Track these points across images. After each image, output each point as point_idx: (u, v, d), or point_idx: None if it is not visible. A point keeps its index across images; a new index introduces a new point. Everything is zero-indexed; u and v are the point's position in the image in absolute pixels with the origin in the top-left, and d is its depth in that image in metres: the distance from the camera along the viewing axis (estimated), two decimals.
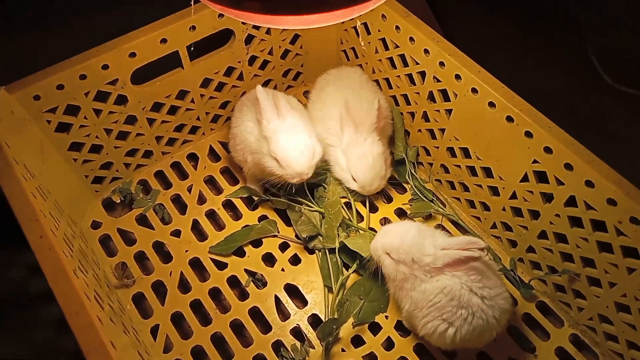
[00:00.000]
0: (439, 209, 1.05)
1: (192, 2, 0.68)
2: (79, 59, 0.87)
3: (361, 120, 0.96)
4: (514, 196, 0.91)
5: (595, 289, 0.85)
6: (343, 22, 1.09)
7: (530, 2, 1.47)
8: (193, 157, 1.14)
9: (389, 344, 0.91)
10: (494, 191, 0.95)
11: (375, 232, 0.99)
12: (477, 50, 0.95)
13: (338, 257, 0.97)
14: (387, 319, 0.93)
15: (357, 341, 0.91)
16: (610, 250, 0.80)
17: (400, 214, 1.06)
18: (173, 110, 1.06)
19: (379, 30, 1.01)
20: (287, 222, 1.03)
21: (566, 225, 0.84)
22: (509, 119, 0.84)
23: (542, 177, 0.85)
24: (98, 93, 0.92)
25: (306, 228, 0.98)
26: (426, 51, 0.93)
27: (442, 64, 0.91)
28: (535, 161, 0.84)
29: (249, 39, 1.06)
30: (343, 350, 0.90)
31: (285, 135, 0.93)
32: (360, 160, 0.96)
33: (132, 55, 0.91)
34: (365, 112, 0.97)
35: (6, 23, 1.26)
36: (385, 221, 1.05)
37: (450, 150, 1.01)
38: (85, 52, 0.88)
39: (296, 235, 1.01)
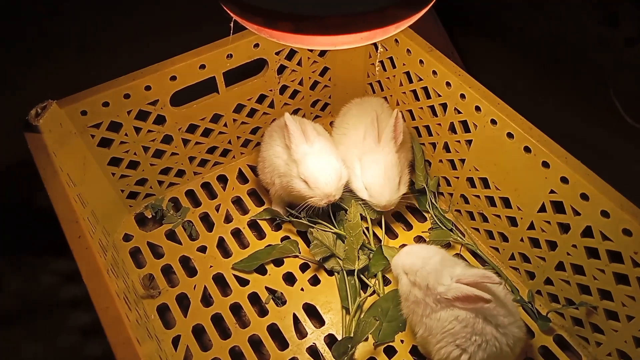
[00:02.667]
0: (458, 238, 1.06)
1: (231, 32, 0.75)
2: (125, 80, 0.95)
3: (381, 133, 1.00)
4: (531, 227, 0.93)
5: (613, 323, 0.85)
6: (370, 56, 1.15)
7: (553, 45, 1.51)
8: (222, 179, 1.20)
9: None
10: (512, 222, 0.97)
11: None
12: (499, 91, 0.99)
13: (356, 279, 0.99)
14: (402, 342, 0.94)
15: None
16: (628, 282, 0.80)
17: (420, 241, 1.09)
18: (207, 132, 1.12)
19: (404, 64, 1.06)
20: (309, 243, 1.07)
21: (583, 256, 0.85)
22: (527, 149, 0.87)
23: (559, 207, 0.87)
24: (139, 112, 0.99)
25: (319, 251, 1.01)
26: (448, 84, 0.97)
27: (462, 96, 0.95)
28: (552, 191, 0.86)
29: (281, 69, 1.12)
30: None
31: (314, 159, 0.98)
32: (372, 166, 0.99)
33: (173, 78, 0.98)
34: (386, 127, 1.01)
35: (61, 45, 1.38)
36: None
37: (470, 181, 1.03)
38: (131, 74, 0.96)
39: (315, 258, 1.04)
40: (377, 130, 1.01)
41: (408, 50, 1.03)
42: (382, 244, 1.04)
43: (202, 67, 1.00)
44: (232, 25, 0.75)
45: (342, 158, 1.05)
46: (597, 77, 1.49)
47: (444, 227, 1.08)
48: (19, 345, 0.99)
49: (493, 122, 0.91)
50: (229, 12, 0.59)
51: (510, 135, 0.89)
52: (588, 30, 1.64)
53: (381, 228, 1.07)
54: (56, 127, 0.89)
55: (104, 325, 0.66)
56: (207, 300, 1.00)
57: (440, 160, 1.09)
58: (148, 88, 0.97)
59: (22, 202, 1.18)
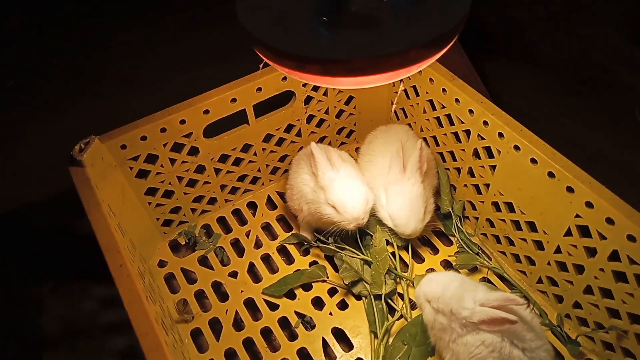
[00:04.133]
0: (485, 261, 1.07)
1: (261, 67, 0.79)
2: (161, 115, 1.01)
3: (406, 163, 1.03)
4: (558, 250, 0.94)
5: None
6: (393, 85, 1.19)
7: (578, 66, 1.53)
8: (252, 205, 1.24)
9: None
10: (539, 245, 0.98)
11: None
12: (525, 112, 1.01)
13: (384, 304, 1.01)
14: None
15: None
16: None
17: (446, 265, 1.10)
18: (237, 161, 1.17)
19: (427, 92, 1.09)
20: (337, 269, 1.09)
21: (611, 280, 0.85)
22: (551, 174, 0.89)
23: (585, 231, 0.87)
24: (174, 144, 1.05)
25: (348, 275, 1.04)
26: (471, 111, 1.00)
27: (485, 123, 0.97)
28: (577, 215, 0.87)
29: (308, 100, 1.17)
30: None
31: (341, 184, 1.01)
32: (397, 197, 1.02)
33: (206, 112, 1.04)
34: (410, 157, 1.04)
35: (99, 81, 1.46)
36: (430, 271, 1.08)
37: (495, 205, 1.05)
38: (167, 109, 1.01)
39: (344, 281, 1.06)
40: (402, 160, 1.04)
41: (431, 79, 1.06)
42: (410, 274, 1.06)
43: (234, 100, 1.05)
44: (261, 66, 0.80)
45: (368, 181, 1.08)
46: (623, 97, 1.49)
47: (470, 251, 1.09)
48: None
49: (516, 148, 0.93)
50: (260, 55, 0.63)
51: (533, 160, 0.91)
52: (615, 49, 1.65)
53: (408, 253, 1.09)
54: (98, 160, 0.95)
55: (145, 351, 0.69)
56: (238, 324, 1.03)
57: (465, 185, 1.10)
58: (183, 122, 1.02)
59: (64, 230, 1.25)
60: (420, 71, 1.08)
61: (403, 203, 1.01)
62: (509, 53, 1.66)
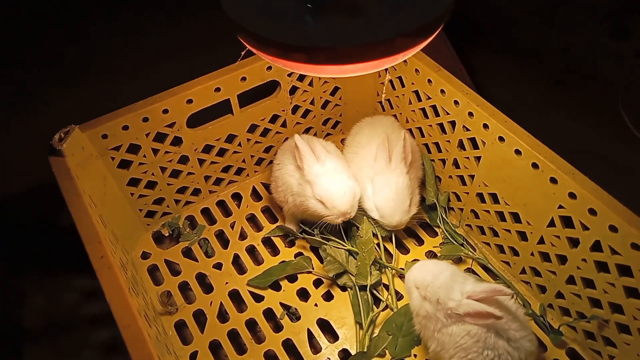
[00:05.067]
0: (469, 252, 1.08)
1: (242, 54, 0.78)
2: (144, 104, 0.99)
3: (391, 154, 1.03)
4: (541, 241, 0.94)
5: (625, 336, 0.85)
6: (379, 75, 1.18)
7: (563, 59, 1.53)
8: (237, 197, 1.23)
9: None
10: (523, 236, 0.99)
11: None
12: (510, 105, 1.01)
13: (369, 295, 1.01)
14: (415, 357, 0.95)
15: None
16: (638, 296, 0.81)
17: (431, 256, 1.10)
18: (222, 152, 1.15)
19: (413, 83, 1.09)
20: (322, 260, 1.09)
21: (593, 270, 0.86)
22: (535, 165, 0.89)
23: (568, 222, 0.88)
24: (157, 134, 1.03)
25: (332, 267, 1.04)
26: (456, 102, 0.99)
27: (470, 114, 0.97)
28: (560, 206, 0.87)
29: (293, 90, 1.16)
30: None
31: (328, 179, 1.00)
32: (384, 188, 1.02)
33: (189, 101, 1.02)
34: (395, 148, 1.04)
35: (80, 70, 1.43)
36: (415, 262, 1.08)
37: (480, 196, 1.05)
38: (149, 98, 1.00)
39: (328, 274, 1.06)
40: (387, 151, 1.03)
41: (416, 70, 1.06)
42: (393, 264, 1.06)
43: (217, 90, 1.04)
44: (242, 53, 0.79)
45: (354, 173, 1.08)
46: (606, 90, 1.51)
47: (455, 242, 1.09)
48: None
49: (501, 139, 0.93)
50: (244, 43, 0.62)
51: (518, 152, 0.91)
52: (598, 43, 1.66)
53: (392, 244, 1.09)
54: (78, 150, 0.93)
55: (127, 343, 0.68)
56: (223, 316, 1.03)
57: (450, 176, 1.11)
58: (165, 111, 1.00)
59: (45, 222, 1.22)
60: (406, 62, 1.07)
61: (389, 194, 1.01)
62: (494, 45, 1.66)
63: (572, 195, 0.85)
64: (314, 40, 0.55)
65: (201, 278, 1.09)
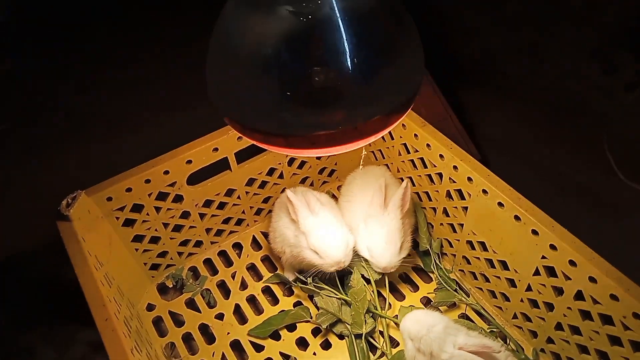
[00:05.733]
0: (463, 298, 1.11)
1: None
2: (146, 167, 1.05)
3: (389, 199, 1.07)
4: (529, 288, 0.97)
5: None
6: None
7: (553, 94, 1.57)
8: (238, 246, 1.27)
9: None
10: (512, 283, 1.02)
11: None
12: (499, 140, 1.03)
13: (364, 343, 1.04)
14: None
15: None
16: (622, 344, 0.83)
17: (426, 302, 1.13)
18: (221, 205, 1.21)
19: (401, 137, 1.14)
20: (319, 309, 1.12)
21: (578, 318, 0.89)
22: (517, 217, 0.93)
23: (552, 271, 0.91)
24: (159, 193, 1.09)
25: (325, 319, 1.07)
26: (441, 156, 1.04)
27: (455, 167, 1.02)
28: (543, 257, 0.91)
29: None
30: None
31: (321, 229, 1.04)
32: (375, 230, 1.05)
33: (189, 162, 1.08)
34: (395, 194, 1.07)
35: (90, 127, 1.49)
36: (411, 309, 1.12)
37: (470, 243, 1.09)
38: (151, 161, 1.06)
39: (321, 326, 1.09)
40: (384, 197, 1.08)
41: (403, 125, 1.11)
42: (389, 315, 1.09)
43: (215, 149, 1.10)
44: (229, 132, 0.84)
45: (348, 222, 1.12)
46: (595, 128, 1.54)
47: (448, 288, 1.13)
48: None
49: (484, 192, 0.98)
50: (232, 128, 0.68)
51: (500, 204, 0.95)
52: (586, 78, 1.70)
53: (386, 289, 1.12)
54: (85, 214, 0.99)
55: None
56: None
57: (442, 224, 1.15)
58: (166, 172, 1.06)
59: (53, 277, 1.27)
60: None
61: (381, 235, 1.05)
62: (483, 83, 1.70)
63: (552, 247, 0.88)
64: (291, 128, 0.61)
65: (204, 328, 1.13)
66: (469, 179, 1.00)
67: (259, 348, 1.08)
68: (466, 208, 1.05)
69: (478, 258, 1.08)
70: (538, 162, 1.36)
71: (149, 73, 1.70)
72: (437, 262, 1.16)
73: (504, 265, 1.02)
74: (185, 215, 1.16)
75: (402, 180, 1.20)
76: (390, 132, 1.17)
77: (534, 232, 0.90)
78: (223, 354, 1.08)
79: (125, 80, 1.69)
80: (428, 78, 1.43)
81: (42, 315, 1.21)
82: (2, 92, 1.65)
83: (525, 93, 1.67)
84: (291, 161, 1.25)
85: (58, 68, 1.61)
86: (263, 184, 1.24)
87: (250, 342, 1.09)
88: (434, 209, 1.15)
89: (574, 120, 1.57)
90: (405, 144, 1.14)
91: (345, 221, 1.12)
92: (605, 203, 1.24)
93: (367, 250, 1.08)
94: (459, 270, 1.16)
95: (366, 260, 1.10)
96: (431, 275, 1.17)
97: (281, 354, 1.07)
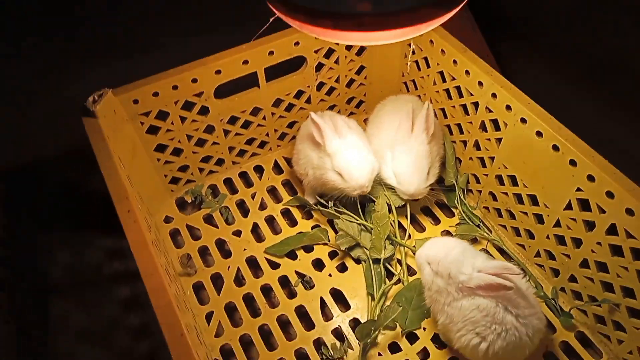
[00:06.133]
0: (485, 234, 1.09)
1: (270, 20, 0.80)
2: (174, 72, 1.02)
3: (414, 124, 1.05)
4: (557, 224, 0.95)
5: (635, 321, 0.86)
6: (405, 56, 1.19)
7: (592, 50, 1.51)
8: (259, 169, 1.26)
9: (424, 355, 0.95)
10: (539, 219, 0.99)
11: None
12: (536, 96, 1.01)
13: (382, 268, 1.03)
14: (424, 330, 0.97)
15: (394, 348, 0.96)
16: None
17: (447, 235, 1.12)
18: (246, 124, 1.18)
19: (438, 64, 1.10)
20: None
21: (607, 254, 0.87)
22: (555, 147, 0.89)
23: (585, 205, 0.89)
24: (185, 102, 1.06)
25: (344, 241, 1.06)
26: (480, 83, 1.00)
27: (494, 95, 0.98)
28: (578, 189, 0.88)
29: (319, 67, 1.18)
30: (380, 354, 0.95)
31: (347, 152, 1.02)
32: (403, 155, 1.03)
33: (218, 72, 1.05)
34: (417, 117, 1.05)
35: (113, 42, 1.46)
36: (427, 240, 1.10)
37: (499, 178, 1.06)
38: (179, 67, 1.03)
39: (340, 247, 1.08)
40: (411, 122, 1.05)
41: (442, 51, 1.07)
42: (405, 240, 1.08)
43: (245, 62, 1.06)
44: (270, 20, 0.81)
45: (375, 149, 1.09)
46: (634, 83, 1.48)
47: (471, 223, 1.11)
48: (69, 314, 1.07)
49: (523, 120, 0.94)
50: (273, 9, 0.64)
51: (539, 133, 0.92)
52: (630, 35, 1.62)
53: (407, 219, 1.11)
54: (110, 113, 0.97)
55: (149, 290, 0.72)
56: (239, 280, 1.06)
57: (470, 158, 1.11)
58: (194, 80, 1.04)
59: (74, 184, 1.27)
60: (432, 41, 1.08)
61: (408, 160, 1.03)
62: (524, 34, 1.64)
63: (590, 178, 0.85)
64: (340, 7, 0.57)
65: (220, 244, 1.12)
66: (508, 107, 0.96)
67: (274, 265, 1.08)
68: (500, 140, 1.01)
69: (506, 193, 1.05)
70: (573, 120, 1.31)
71: None
72: (462, 197, 1.14)
73: (533, 200, 0.99)
74: (210, 130, 1.14)
75: (434, 112, 1.17)
76: (426, 59, 1.13)
77: (572, 163, 0.87)
78: (238, 268, 1.07)
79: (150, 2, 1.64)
80: (468, 15, 1.38)
81: (62, 219, 1.21)
82: (24, 6, 1.61)
83: (565, 48, 1.60)
84: (320, 86, 1.22)
85: None
86: (290, 107, 1.21)
87: (266, 259, 1.09)
88: (464, 142, 1.12)
89: (614, 79, 1.51)
90: (442, 72, 1.10)
91: (372, 148, 1.10)
92: None
93: (394, 177, 1.06)
94: (483, 207, 1.13)
95: (391, 188, 1.08)
96: (454, 210, 1.15)
97: (296, 272, 1.07)
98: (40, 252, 1.17)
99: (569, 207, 0.91)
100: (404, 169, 1.03)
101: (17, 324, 0.98)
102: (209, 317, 1.00)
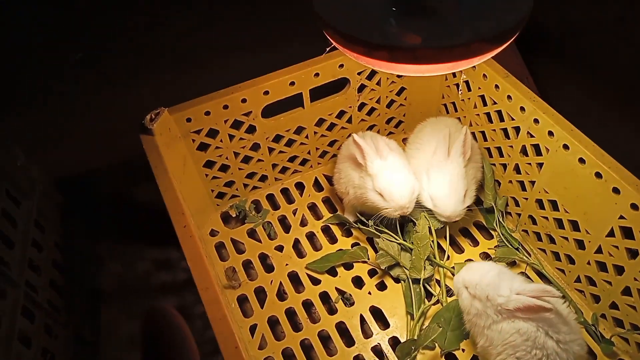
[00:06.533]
0: (524, 257, 1.10)
1: (327, 50, 0.84)
2: (225, 92, 1.07)
3: (451, 147, 1.07)
4: (599, 250, 0.95)
5: None
6: (446, 79, 1.22)
7: (631, 73, 1.50)
8: (300, 186, 1.30)
9: None
10: (580, 244, 1.00)
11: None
12: (574, 118, 1.02)
13: (421, 288, 1.05)
14: (463, 351, 0.98)
15: None
16: None
17: (485, 257, 1.13)
18: (290, 143, 1.22)
19: (479, 88, 1.12)
20: (377, 251, 1.13)
21: None
22: (598, 175, 0.90)
23: (628, 232, 0.89)
24: (234, 121, 1.11)
25: (384, 260, 1.08)
26: (522, 109, 1.02)
27: (536, 120, 1.00)
28: (621, 217, 0.88)
29: (361, 88, 1.21)
30: None
31: (389, 173, 1.05)
32: (439, 178, 1.05)
33: (266, 93, 1.10)
34: (455, 141, 1.07)
35: (161, 61, 1.53)
36: (466, 264, 1.11)
37: (539, 202, 1.07)
38: (230, 87, 1.08)
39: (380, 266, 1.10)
40: (447, 146, 1.07)
41: (484, 75, 1.09)
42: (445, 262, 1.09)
43: (292, 84, 1.11)
44: (327, 50, 0.85)
45: (413, 170, 1.12)
46: None
47: (510, 246, 1.12)
48: (118, 322, 1.12)
49: (565, 147, 0.95)
50: (330, 39, 0.68)
51: (582, 160, 0.93)
52: None
53: (446, 241, 1.12)
54: (165, 131, 1.02)
55: (205, 303, 0.76)
56: (281, 295, 1.10)
57: (510, 181, 1.13)
58: (244, 100, 1.08)
59: (125, 195, 1.34)
60: (475, 67, 1.11)
61: (443, 182, 1.05)
62: (562, 55, 1.65)
63: (634, 207, 0.86)
64: (396, 41, 0.61)
65: (263, 258, 1.16)
66: (550, 133, 0.97)
67: (315, 281, 1.11)
68: (541, 164, 1.02)
69: (546, 218, 1.06)
70: (609, 142, 1.31)
71: (219, 12, 1.71)
72: (501, 220, 1.15)
73: (574, 226, 1.00)
74: (255, 147, 1.19)
75: (473, 134, 1.19)
76: (467, 83, 1.16)
77: (615, 191, 0.88)
78: (280, 282, 1.11)
79: (194, 19, 1.71)
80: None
81: (113, 230, 1.27)
82: (78, 23, 1.71)
83: (604, 70, 1.60)
84: (361, 106, 1.25)
85: (129, 3, 1.64)
86: (331, 127, 1.25)
87: (308, 275, 1.12)
88: (504, 165, 1.13)
89: None
90: (482, 96, 1.12)
91: (412, 168, 1.12)
92: None
93: (431, 200, 1.08)
94: (522, 230, 1.14)
95: (429, 211, 1.10)
96: (493, 232, 1.17)
97: (337, 289, 1.09)
98: (92, 261, 1.23)
99: (611, 234, 0.92)
100: (440, 192, 1.05)
101: (74, 328, 1.04)
102: (252, 329, 1.04)
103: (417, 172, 1.11)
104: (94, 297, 1.17)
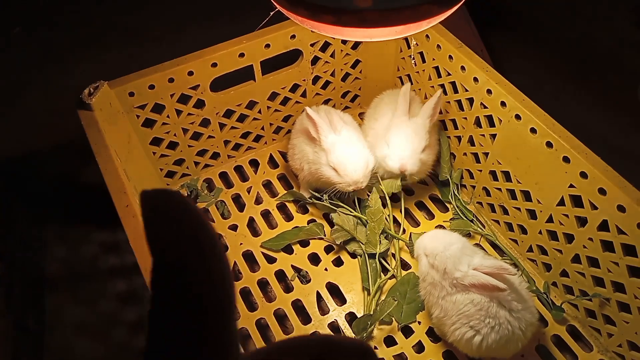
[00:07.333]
0: (478, 229, 1.10)
1: (271, 14, 0.80)
2: (170, 65, 1.02)
3: (413, 112, 1.06)
4: (550, 220, 0.96)
5: (625, 315, 0.88)
6: (401, 50, 1.20)
7: (584, 46, 1.53)
8: (254, 163, 1.26)
9: (419, 348, 0.96)
10: (532, 214, 1.01)
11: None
12: (528, 90, 1.02)
13: (377, 263, 1.04)
14: (419, 324, 0.99)
15: (390, 342, 0.97)
16: None
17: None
18: (242, 118, 1.18)
19: (434, 59, 1.10)
20: (334, 227, 1.12)
21: (598, 249, 0.88)
22: (549, 144, 0.91)
23: (577, 201, 0.90)
24: (181, 96, 1.06)
25: (339, 235, 1.07)
26: (475, 79, 1.01)
27: (489, 91, 0.99)
28: (571, 185, 0.89)
29: (315, 60, 1.18)
30: (375, 347, 0.96)
31: (342, 147, 1.03)
32: (398, 132, 1.04)
33: (214, 65, 1.05)
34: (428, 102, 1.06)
35: (107, 33, 1.45)
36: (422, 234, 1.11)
37: (493, 174, 1.07)
38: (175, 59, 1.02)
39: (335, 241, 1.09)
40: (408, 104, 1.05)
41: (438, 46, 1.07)
42: (402, 233, 1.09)
43: (241, 55, 1.06)
44: (271, 14, 0.81)
45: (371, 141, 1.10)
46: (626, 81, 1.50)
47: (465, 218, 1.12)
48: (65, 308, 1.07)
49: (517, 117, 0.95)
50: (274, 3, 0.64)
51: (533, 130, 0.93)
52: (620, 32, 1.64)
53: (401, 214, 1.12)
54: (106, 106, 0.96)
55: (149, 285, 0.72)
56: (236, 275, 1.07)
57: (465, 154, 1.13)
58: (190, 73, 1.03)
59: (69, 177, 1.27)
60: (428, 36, 1.09)
61: (403, 133, 1.03)
62: (516, 29, 1.66)
63: (583, 175, 0.86)
64: (343, 3, 0.57)
65: None
66: (503, 103, 0.97)
67: (271, 260, 1.09)
68: (494, 135, 1.02)
69: (499, 189, 1.06)
70: (561, 114, 1.33)
71: None
72: (456, 192, 1.15)
73: (526, 196, 1.00)
74: (205, 123, 1.14)
75: None
76: (422, 54, 1.14)
77: (565, 160, 0.89)
78: (235, 262, 1.08)
79: None
80: (463, 8, 1.38)
81: (57, 214, 1.21)
82: None
83: (557, 43, 1.62)
84: (315, 79, 1.22)
85: None
86: (285, 101, 1.21)
87: (263, 253, 1.09)
88: (459, 138, 1.13)
89: (604, 75, 1.53)
90: (437, 67, 1.10)
91: (367, 141, 1.10)
92: (636, 155, 1.22)
93: (387, 146, 1.05)
94: (477, 202, 1.15)
95: (389, 176, 1.08)
96: (448, 205, 1.16)
97: (293, 267, 1.07)
98: (35, 246, 1.16)
99: (561, 203, 0.93)
100: (398, 138, 1.03)
101: (14, 317, 0.98)
102: None
103: (376, 144, 1.09)
104: (38, 283, 1.11)
